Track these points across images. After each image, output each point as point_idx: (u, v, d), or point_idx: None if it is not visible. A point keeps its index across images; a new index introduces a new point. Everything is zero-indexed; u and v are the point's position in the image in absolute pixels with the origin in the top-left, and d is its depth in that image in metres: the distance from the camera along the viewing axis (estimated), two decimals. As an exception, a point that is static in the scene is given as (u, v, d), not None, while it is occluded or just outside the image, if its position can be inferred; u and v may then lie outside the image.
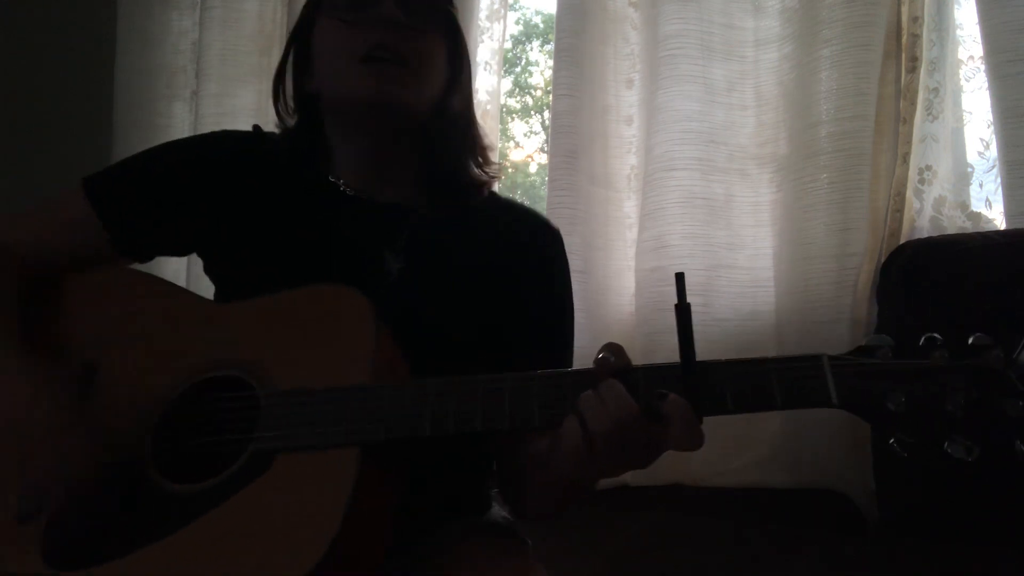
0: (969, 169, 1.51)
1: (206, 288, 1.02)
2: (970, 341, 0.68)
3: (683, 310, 0.71)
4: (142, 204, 0.98)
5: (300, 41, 1.01)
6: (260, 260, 0.95)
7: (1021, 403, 0.65)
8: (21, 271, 0.96)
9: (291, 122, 1.03)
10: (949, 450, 0.66)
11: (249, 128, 1.05)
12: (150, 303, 0.95)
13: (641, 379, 0.72)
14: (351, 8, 0.94)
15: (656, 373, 0.72)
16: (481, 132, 1.06)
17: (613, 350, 0.74)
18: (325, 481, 0.74)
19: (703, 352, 0.72)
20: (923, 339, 0.70)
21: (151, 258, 1.04)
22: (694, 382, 0.70)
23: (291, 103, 1.03)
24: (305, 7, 1.01)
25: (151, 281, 0.98)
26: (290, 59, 1.02)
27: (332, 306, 0.84)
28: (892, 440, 0.68)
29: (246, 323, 0.88)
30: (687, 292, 0.71)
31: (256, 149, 1.01)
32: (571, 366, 1.02)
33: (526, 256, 1.02)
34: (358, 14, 0.93)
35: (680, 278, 0.71)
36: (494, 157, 1.07)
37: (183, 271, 2.01)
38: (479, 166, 1.04)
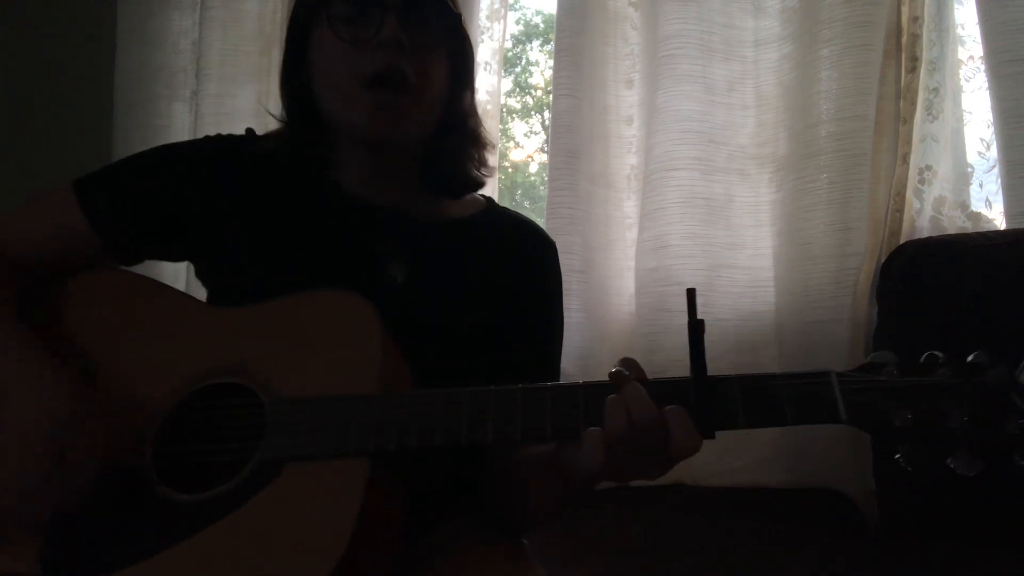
0: (969, 169, 1.51)
1: (203, 291, 1.01)
2: (969, 359, 0.71)
3: (695, 326, 0.71)
4: (132, 208, 0.96)
5: (295, 41, 0.98)
6: (255, 264, 0.93)
7: (1020, 420, 0.68)
8: (15, 273, 0.94)
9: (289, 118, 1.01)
10: (952, 465, 0.69)
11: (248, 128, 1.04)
12: (149, 307, 0.93)
13: (652, 391, 0.72)
14: (351, 24, 0.90)
15: (667, 387, 0.73)
16: (484, 130, 1.04)
17: (628, 364, 0.75)
18: (336, 490, 0.73)
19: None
20: (925, 356, 0.72)
21: (140, 261, 1.02)
22: (705, 397, 0.71)
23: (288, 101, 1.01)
24: (299, 6, 0.97)
25: (149, 285, 0.96)
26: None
27: (336, 312, 0.83)
28: (898, 455, 0.70)
29: (247, 329, 0.86)
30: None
31: (249, 152, 0.99)
32: (559, 377, 1.03)
33: (525, 266, 1.02)
34: (359, 34, 0.89)
35: (691, 294, 0.72)
36: (493, 159, 1.06)
37: (182, 271, 2.01)
38: (477, 167, 1.03)
